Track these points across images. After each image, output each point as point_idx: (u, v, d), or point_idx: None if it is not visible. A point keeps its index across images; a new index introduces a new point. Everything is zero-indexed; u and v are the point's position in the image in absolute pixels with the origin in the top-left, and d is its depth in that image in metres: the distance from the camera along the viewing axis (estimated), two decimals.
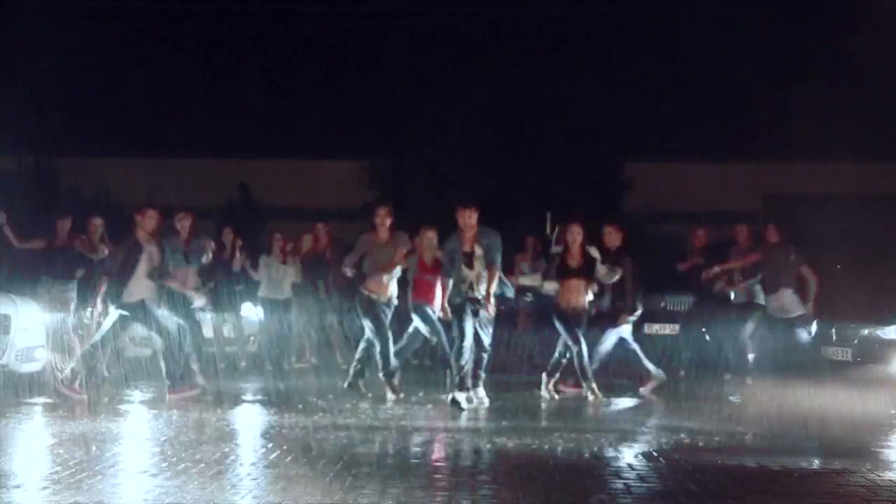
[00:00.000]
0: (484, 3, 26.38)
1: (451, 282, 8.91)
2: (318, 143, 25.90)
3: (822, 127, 22.31)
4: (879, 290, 11.52)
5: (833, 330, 10.80)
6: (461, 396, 8.70)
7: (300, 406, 8.88)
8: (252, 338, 12.04)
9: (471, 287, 8.86)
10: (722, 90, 25.54)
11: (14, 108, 19.71)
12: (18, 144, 21.00)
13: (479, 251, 8.87)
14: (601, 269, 9.47)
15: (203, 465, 6.14)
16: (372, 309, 9.31)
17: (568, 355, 9.51)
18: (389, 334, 9.39)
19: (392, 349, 9.39)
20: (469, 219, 8.93)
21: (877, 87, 21.46)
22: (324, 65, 27.90)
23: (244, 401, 9.52)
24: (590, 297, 9.51)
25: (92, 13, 23.48)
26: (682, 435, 7.51)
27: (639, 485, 5.79)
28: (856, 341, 10.48)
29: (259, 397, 9.73)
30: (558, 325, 9.43)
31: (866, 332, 10.44)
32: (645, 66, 24.95)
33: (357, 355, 9.56)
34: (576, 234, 9.63)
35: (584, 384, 9.38)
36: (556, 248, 10.26)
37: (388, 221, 9.45)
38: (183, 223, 9.94)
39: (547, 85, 22.26)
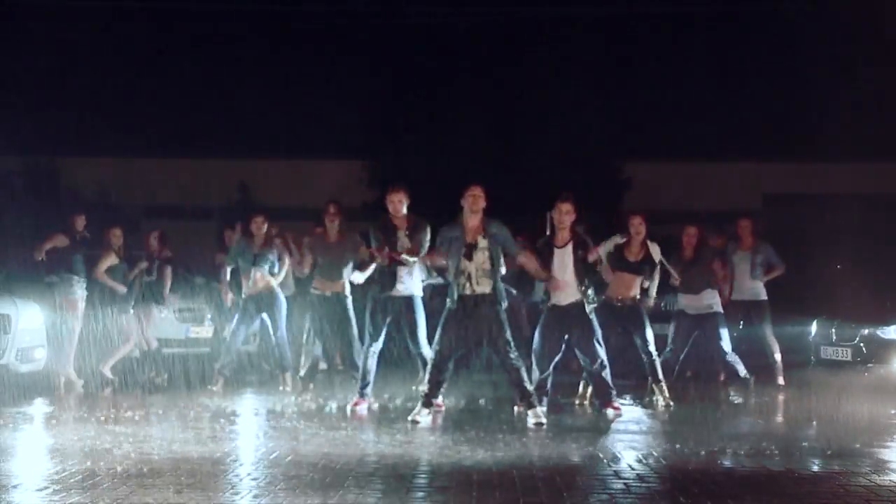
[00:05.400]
0: (484, 4, 26.36)
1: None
2: (318, 143, 25.87)
3: (822, 127, 22.32)
4: (879, 290, 11.50)
5: (833, 330, 10.77)
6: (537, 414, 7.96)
7: (300, 406, 8.89)
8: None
9: (469, 281, 7.95)
10: (722, 90, 25.54)
11: (14, 108, 19.72)
12: (18, 144, 20.97)
13: (482, 242, 7.97)
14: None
15: (203, 464, 6.14)
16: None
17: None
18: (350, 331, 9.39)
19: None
20: (475, 203, 8.03)
21: (877, 87, 21.46)
22: (323, 64, 27.86)
23: (243, 400, 9.53)
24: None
25: (92, 13, 23.44)
26: (683, 436, 7.50)
27: (639, 485, 5.79)
28: (856, 341, 10.46)
29: (258, 397, 9.74)
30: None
31: (866, 332, 10.41)
32: (645, 66, 24.96)
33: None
34: (637, 226, 9.12)
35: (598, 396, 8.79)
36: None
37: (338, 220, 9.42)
38: (259, 227, 10.13)
39: (547, 85, 22.25)
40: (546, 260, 8.45)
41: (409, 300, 8.70)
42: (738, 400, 9.48)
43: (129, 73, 26.76)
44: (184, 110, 26.19)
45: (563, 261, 8.45)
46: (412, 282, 8.74)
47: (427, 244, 8.66)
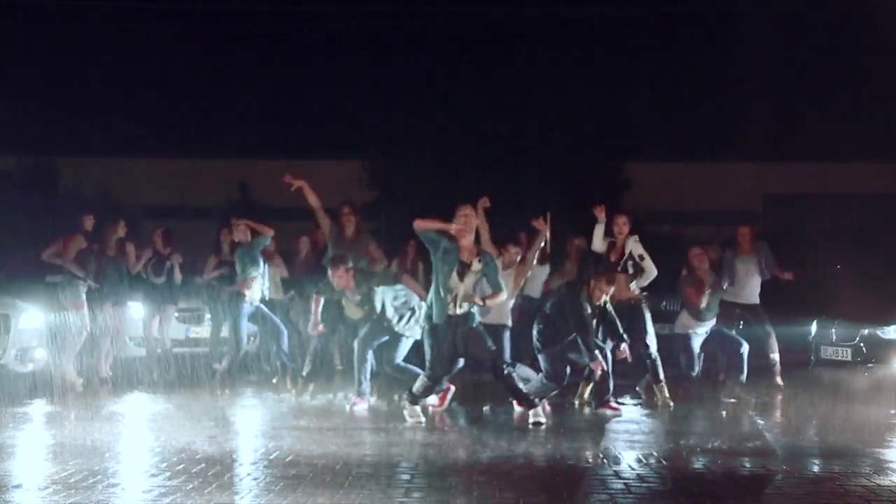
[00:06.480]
0: (484, 3, 26.37)
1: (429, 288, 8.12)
2: (318, 143, 25.90)
3: (822, 127, 22.33)
4: (879, 289, 11.47)
5: (833, 330, 10.76)
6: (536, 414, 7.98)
7: (299, 406, 8.89)
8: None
9: (454, 301, 7.83)
10: (722, 90, 25.53)
11: (14, 108, 19.72)
12: (18, 144, 20.97)
13: (476, 265, 7.84)
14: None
15: (203, 464, 6.14)
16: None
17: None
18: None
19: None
20: (467, 223, 7.88)
21: (877, 87, 21.45)
22: (324, 64, 27.90)
23: (244, 400, 9.52)
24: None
25: (92, 13, 23.47)
26: (683, 436, 7.50)
27: (639, 485, 5.79)
28: (856, 341, 10.45)
29: (258, 397, 9.74)
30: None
31: (866, 332, 10.39)
32: (645, 66, 24.97)
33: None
34: (622, 226, 9.36)
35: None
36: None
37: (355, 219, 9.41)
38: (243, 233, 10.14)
39: (547, 84, 22.26)
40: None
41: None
42: (733, 400, 9.48)
43: (129, 74, 26.78)
44: (184, 110, 26.22)
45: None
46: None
47: (386, 271, 8.82)
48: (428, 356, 8.01)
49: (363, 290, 8.69)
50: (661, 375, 9.21)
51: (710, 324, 9.77)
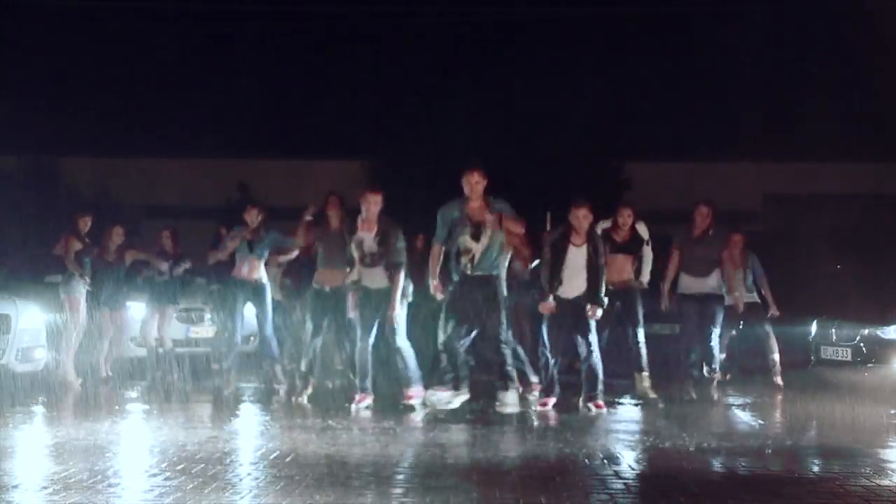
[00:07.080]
0: (484, 3, 26.37)
1: (441, 252, 8.27)
2: (318, 143, 25.88)
3: (822, 127, 22.31)
4: (879, 290, 11.48)
5: (833, 330, 10.77)
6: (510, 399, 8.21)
7: (299, 406, 8.89)
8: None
9: (471, 261, 8.08)
10: (722, 90, 25.52)
11: (15, 108, 19.72)
12: (18, 144, 20.97)
13: (488, 231, 8.14)
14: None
15: (203, 464, 6.14)
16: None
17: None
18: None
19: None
20: (477, 184, 8.22)
21: (876, 87, 21.44)
22: (323, 64, 27.88)
23: (243, 400, 9.53)
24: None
25: (92, 12, 23.45)
26: (683, 435, 7.50)
27: (639, 485, 5.79)
28: (856, 341, 10.46)
29: (258, 397, 9.74)
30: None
31: (866, 332, 10.41)
32: (645, 66, 24.95)
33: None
34: (626, 217, 9.48)
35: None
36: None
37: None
38: (253, 218, 10.33)
39: (546, 85, 22.25)
40: (559, 255, 8.63)
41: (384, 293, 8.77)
42: (737, 400, 9.48)
43: (129, 73, 26.77)
44: (184, 110, 26.20)
45: (578, 260, 8.68)
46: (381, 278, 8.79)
47: (402, 248, 8.75)
48: (441, 330, 8.15)
49: (384, 230, 8.69)
50: (645, 364, 9.25)
51: (698, 281, 9.77)
